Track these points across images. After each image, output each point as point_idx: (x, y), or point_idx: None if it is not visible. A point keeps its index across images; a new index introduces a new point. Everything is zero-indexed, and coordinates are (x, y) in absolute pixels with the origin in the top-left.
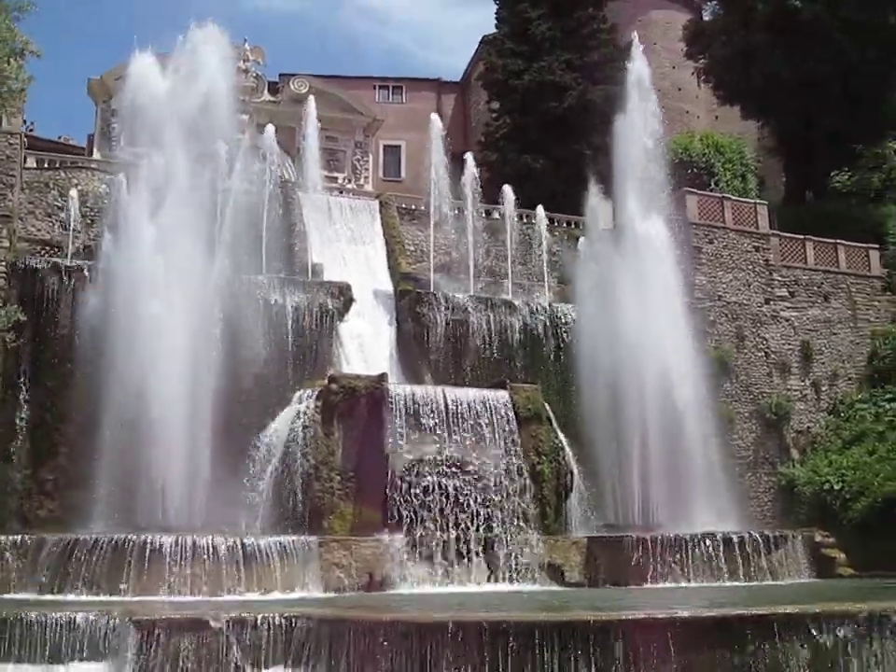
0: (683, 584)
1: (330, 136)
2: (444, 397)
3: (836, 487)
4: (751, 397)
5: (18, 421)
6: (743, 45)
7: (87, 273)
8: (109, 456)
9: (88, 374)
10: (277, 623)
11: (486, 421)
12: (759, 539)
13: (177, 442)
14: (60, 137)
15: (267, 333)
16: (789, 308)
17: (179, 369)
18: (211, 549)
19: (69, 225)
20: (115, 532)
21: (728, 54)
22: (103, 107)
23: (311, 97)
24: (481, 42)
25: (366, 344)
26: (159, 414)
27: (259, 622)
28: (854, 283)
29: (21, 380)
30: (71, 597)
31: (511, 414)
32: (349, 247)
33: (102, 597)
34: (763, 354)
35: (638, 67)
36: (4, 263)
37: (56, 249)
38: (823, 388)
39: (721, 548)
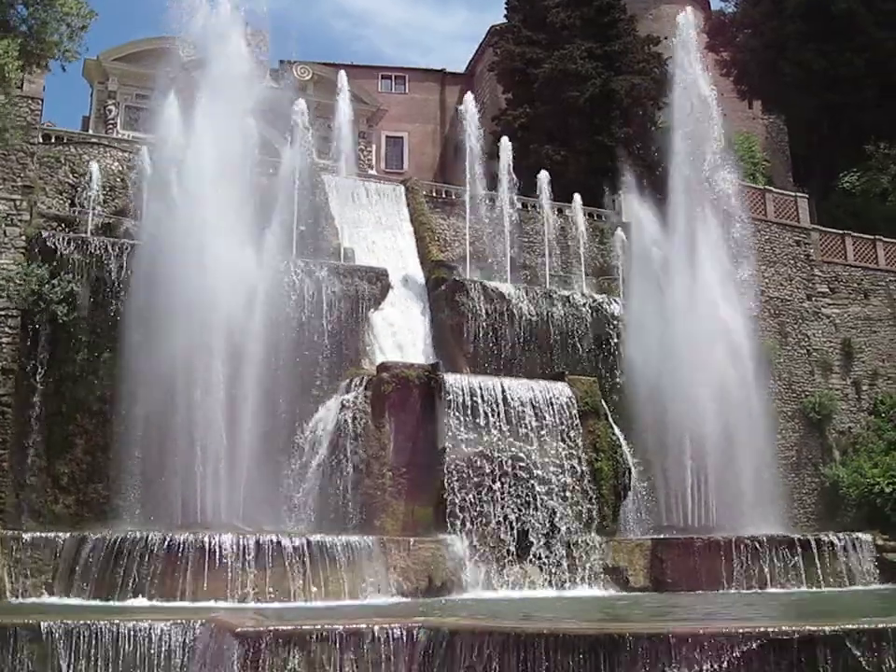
0: (762, 590)
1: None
2: (503, 388)
3: (887, 490)
4: (794, 395)
5: (32, 409)
6: (773, 36)
7: (112, 251)
8: (133, 449)
9: (110, 361)
10: (397, 634)
11: (547, 415)
12: (835, 541)
13: (216, 434)
14: (43, 124)
15: (303, 320)
16: (830, 305)
17: (218, 355)
18: (276, 549)
19: (89, 201)
20: (145, 529)
21: (757, 45)
22: (99, 89)
23: (342, 74)
24: (489, 32)
25: (399, 334)
26: (196, 405)
27: (376, 633)
28: (894, 280)
29: (36, 364)
30: (118, 603)
31: (573, 408)
32: (376, 233)
33: (155, 602)
34: (806, 351)
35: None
36: (23, 238)
37: (71, 226)
38: (864, 388)
39: (798, 552)
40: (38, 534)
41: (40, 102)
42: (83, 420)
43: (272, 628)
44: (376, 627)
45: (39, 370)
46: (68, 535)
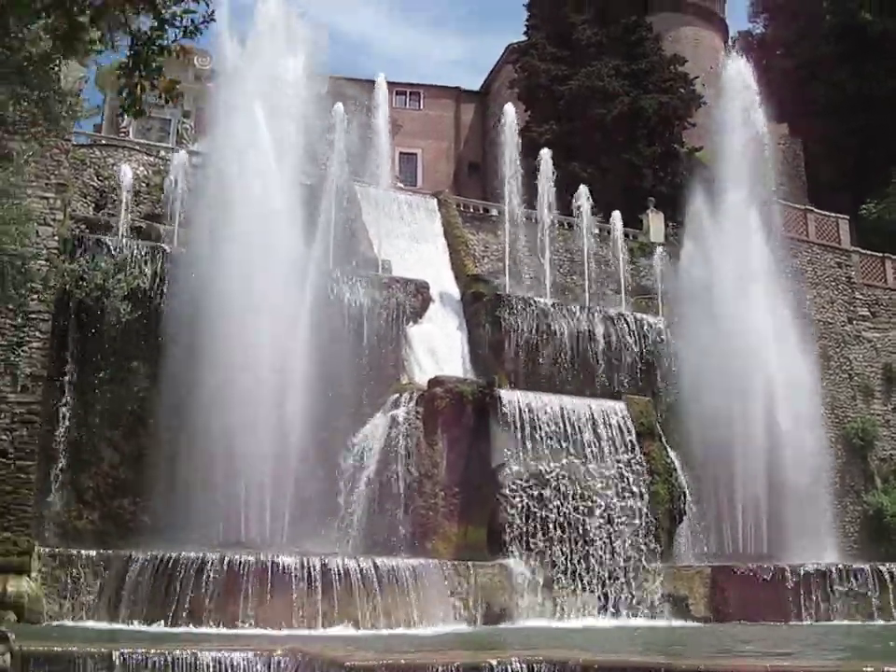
0: (832, 622)
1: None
2: (561, 406)
3: None
4: (836, 420)
5: (58, 419)
6: (806, 57)
7: (150, 256)
8: (166, 463)
9: (143, 371)
10: (517, 668)
11: (605, 435)
12: None
13: (261, 448)
14: None
15: (345, 332)
16: (871, 329)
17: (264, 365)
18: (342, 572)
19: (121, 202)
20: (181, 549)
21: (788, 66)
22: (111, 97)
23: (382, 80)
24: (508, 50)
25: (437, 349)
26: (239, 416)
27: (494, 667)
28: None
29: (65, 373)
30: (172, 629)
31: (630, 429)
32: (410, 245)
33: (212, 629)
34: (847, 376)
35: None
36: (56, 238)
37: (100, 229)
38: None
39: (872, 583)
40: (82, 552)
41: (77, 97)
42: (112, 432)
43: (384, 662)
44: (493, 661)
45: (68, 377)
46: (117, 553)
